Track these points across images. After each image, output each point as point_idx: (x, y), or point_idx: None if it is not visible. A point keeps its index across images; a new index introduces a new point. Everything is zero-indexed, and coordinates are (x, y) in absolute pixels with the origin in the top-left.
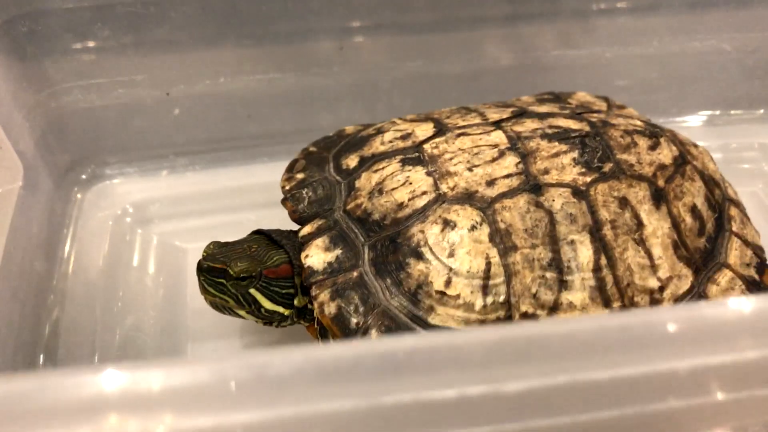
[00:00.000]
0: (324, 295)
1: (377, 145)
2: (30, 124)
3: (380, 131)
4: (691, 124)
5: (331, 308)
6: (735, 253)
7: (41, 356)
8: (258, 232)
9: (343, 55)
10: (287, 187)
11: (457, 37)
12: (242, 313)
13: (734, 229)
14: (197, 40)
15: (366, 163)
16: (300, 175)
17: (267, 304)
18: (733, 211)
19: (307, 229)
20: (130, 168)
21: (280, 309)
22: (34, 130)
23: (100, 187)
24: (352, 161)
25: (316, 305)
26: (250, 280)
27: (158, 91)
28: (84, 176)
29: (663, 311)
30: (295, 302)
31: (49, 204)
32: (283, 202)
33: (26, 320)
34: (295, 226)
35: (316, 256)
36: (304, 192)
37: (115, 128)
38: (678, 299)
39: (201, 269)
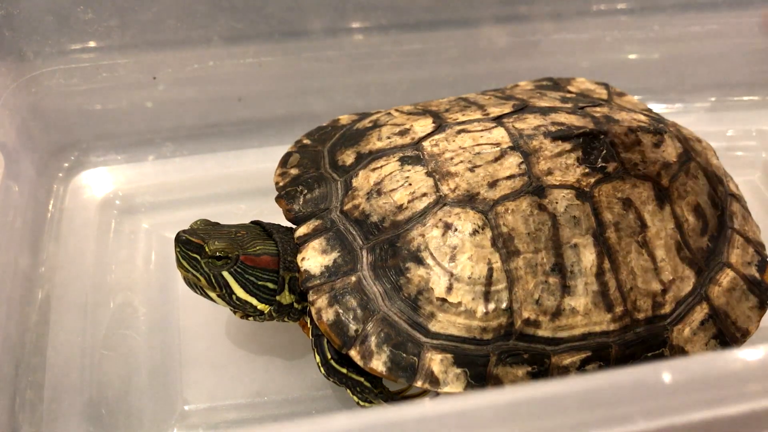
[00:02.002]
0: (321, 301)
1: (374, 141)
2: (9, 110)
3: (377, 125)
4: (688, 110)
5: (328, 314)
6: (737, 252)
7: (29, 356)
8: (255, 223)
9: (336, 39)
10: (281, 184)
11: (454, 19)
12: (213, 295)
13: (736, 226)
14: (186, 22)
15: (363, 160)
16: (294, 171)
17: (239, 292)
18: (735, 207)
19: (302, 230)
20: (116, 154)
21: (253, 301)
22: (14, 115)
23: (85, 175)
24: (348, 157)
25: (313, 311)
26: (225, 261)
27: (144, 75)
28: (67, 164)
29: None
30: (278, 299)
31: (32, 193)
32: (278, 199)
33: (12, 319)
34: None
35: (313, 259)
36: (298, 189)
37: (100, 113)
38: (680, 301)
39: (178, 240)
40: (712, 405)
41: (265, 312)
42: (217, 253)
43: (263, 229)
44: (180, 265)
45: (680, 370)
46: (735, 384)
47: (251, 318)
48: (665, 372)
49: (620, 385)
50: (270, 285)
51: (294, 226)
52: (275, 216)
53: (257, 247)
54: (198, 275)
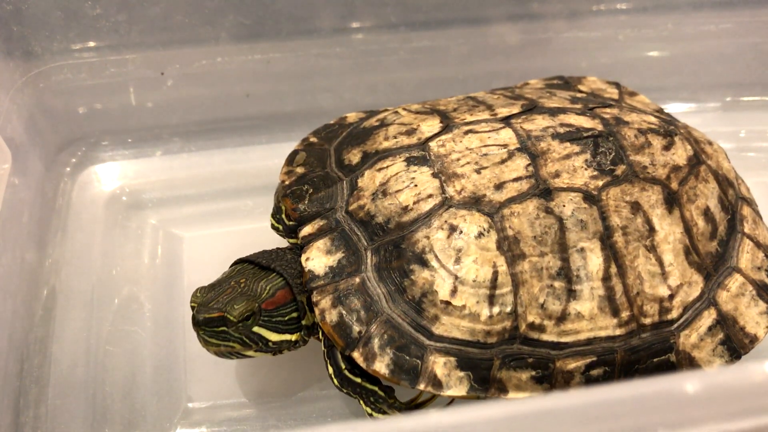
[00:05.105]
0: (325, 302)
1: (381, 140)
2: (17, 105)
3: (384, 123)
4: (701, 109)
5: (332, 315)
6: (746, 257)
7: (34, 353)
8: (240, 261)
9: (345, 36)
10: (287, 182)
11: (464, 17)
12: (250, 353)
13: (746, 230)
14: (194, 18)
15: (369, 159)
16: (300, 170)
17: (274, 337)
18: (746, 211)
19: (307, 230)
20: (123, 149)
21: (287, 336)
22: (22, 111)
23: (92, 170)
24: (354, 156)
25: (317, 311)
26: (253, 319)
27: (152, 71)
28: (74, 159)
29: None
30: (304, 322)
31: (39, 188)
32: (283, 198)
33: (18, 315)
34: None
35: (317, 260)
36: (304, 188)
37: (107, 108)
38: (687, 307)
39: (198, 323)
40: (736, 417)
41: (299, 339)
42: (243, 316)
43: (256, 265)
44: (207, 344)
45: (703, 381)
46: (758, 396)
47: (285, 351)
48: (688, 383)
49: (642, 395)
50: (294, 314)
51: (282, 246)
52: None
53: (267, 288)
54: (231, 344)
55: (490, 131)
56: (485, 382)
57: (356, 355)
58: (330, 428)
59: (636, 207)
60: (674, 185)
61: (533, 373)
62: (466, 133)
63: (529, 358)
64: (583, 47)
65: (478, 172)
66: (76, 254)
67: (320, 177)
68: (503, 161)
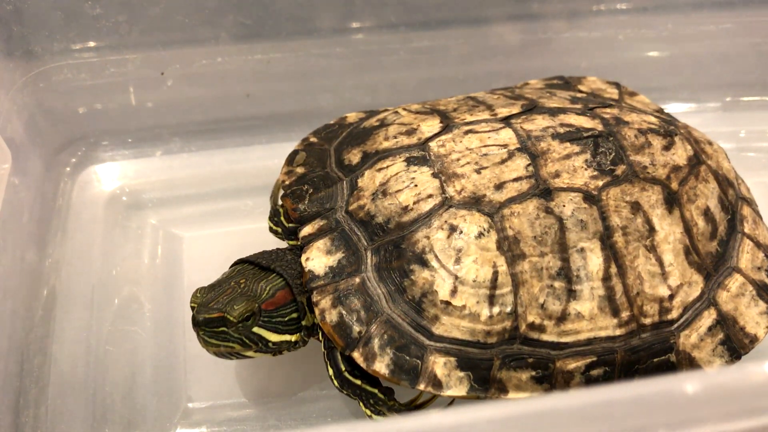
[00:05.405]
0: (325, 302)
1: (381, 141)
2: (17, 106)
3: (384, 123)
4: (701, 109)
5: (332, 315)
6: (746, 257)
7: (34, 353)
8: (241, 262)
9: (345, 36)
10: (287, 182)
11: (464, 17)
12: (250, 353)
13: (746, 230)
14: (194, 18)
15: (369, 159)
16: (300, 170)
17: (273, 338)
18: (746, 211)
19: (307, 230)
20: (123, 149)
21: (287, 337)
22: (22, 111)
23: (92, 170)
24: (354, 156)
25: (317, 311)
26: (253, 319)
27: (152, 71)
28: (74, 159)
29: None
30: (304, 322)
31: (39, 188)
32: (283, 198)
33: (18, 315)
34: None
35: (317, 260)
36: (304, 189)
37: (107, 108)
38: (687, 307)
39: (198, 323)
40: (736, 418)
41: (299, 340)
42: (243, 316)
43: (256, 265)
44: (207, 344)
45: (703, 382)
46: (758, 397)
47: (284, 352)
48: (688, 384)
49: (643, 396)
50: (294, 315)
51: (282, 247)
52: None
53: (267, 289)
54: (231, 344)
55: (490, 131)
56: (485, 382)
57: (356, 355)
58: (330, 428)
59: (636, 207)
60: (674, 185)
61: (533, 373)
62: (466, 133)
63: (529, 358)
64: (583, 47)
65: (478, 172)
66: (76, 254)
67: (320, 177)
68: (503, 161)
